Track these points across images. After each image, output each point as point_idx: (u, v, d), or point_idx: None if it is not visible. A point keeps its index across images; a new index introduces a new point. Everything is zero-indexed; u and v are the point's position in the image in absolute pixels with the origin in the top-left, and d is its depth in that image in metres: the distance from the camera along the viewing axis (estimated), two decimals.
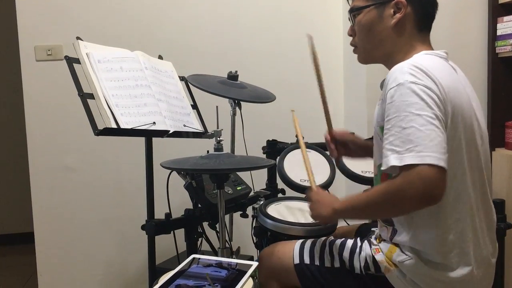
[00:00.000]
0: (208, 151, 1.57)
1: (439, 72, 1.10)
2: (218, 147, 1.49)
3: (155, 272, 1.62)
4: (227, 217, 1.98)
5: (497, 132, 2.18)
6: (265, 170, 1.94)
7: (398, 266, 1.18)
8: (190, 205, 1.73)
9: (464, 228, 1.13)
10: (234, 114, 1.98)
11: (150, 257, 1.61)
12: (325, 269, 1.29)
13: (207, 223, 1.68)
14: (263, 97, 1.97)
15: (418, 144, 1.00)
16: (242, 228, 2.17)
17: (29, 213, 2.35)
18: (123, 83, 1.52)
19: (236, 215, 1.93)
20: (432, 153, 0.99)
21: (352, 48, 1.35)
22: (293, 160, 1.72)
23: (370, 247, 1.26)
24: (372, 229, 1.39)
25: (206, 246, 1.78)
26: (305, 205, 1.65)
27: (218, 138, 1.50)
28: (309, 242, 1.37)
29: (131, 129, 1.45)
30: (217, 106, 1.52)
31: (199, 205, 1.68)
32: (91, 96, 1.43)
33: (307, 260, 1.32)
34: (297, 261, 1.34)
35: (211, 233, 1.72)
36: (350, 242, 1.31)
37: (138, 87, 1.55)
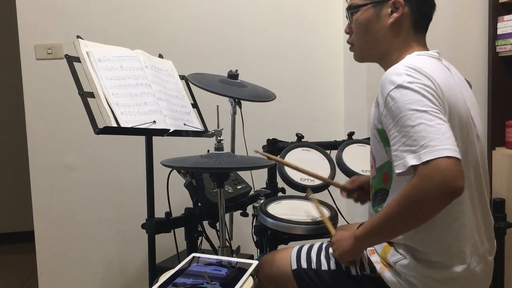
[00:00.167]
0: (208, 150, 1.57)
1: (432, 71, 1.10)
2: (219, 146, 1.49)
3: (155, 270, 1.62)
4: (227, 216, 1.98)
5: (497, 131, 2.18)
6: (266, 169, 1.94)
7: (393, 266, 1.18)
8: (190, 204, 1.73)
9: (460, 226, 1.13)
10: (234, 113, 1.97)
11: (150, 255, 1.61)
12: (322, 272, 1.29)
13: (207, 222, 1.69)
14: (263, 96, 1.97)
15: (431, 139, 0.98)
16: (242, 227, 2.17)
17: (29, 212, 2.35)
18: (124, 82, 1.52)
19: (236, 214, 1.93)
20: (447, 146, 0.97)
21: (349, 47, 1.35)
22: (293, 159, 1.72)
23: (366, 248, 1.25)
24: None
25: (206, 245, 1.78)
26: (305, 204, 1.65)
27: (219, 137, 1.50)
28: (305, 247, 1.37)
29: (131, 127, 1.45)
30: (217, 105, 1.52)
31: (199, 204, 1.68)
32: (91, 94, 1.43)
33: (304, 264, 1.33)
34: (294, 266, 1.34)
35: (211, 232, 1.72)
36: None
37: (138, 86, 1.55)
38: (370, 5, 1.24)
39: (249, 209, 1.78)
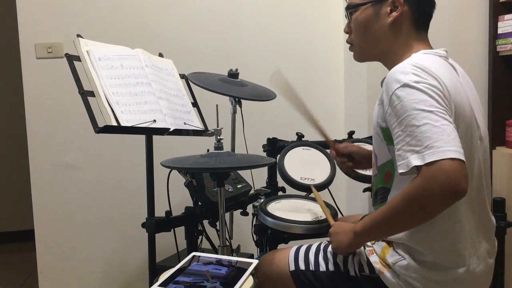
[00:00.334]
0: (208, 150, 1.57)
1: (439, 71, 1.09)
2: (219, 146, 1.49)
3: (155, 269, 1.62)
4: (227, 215, 1.98)
5: (497, 131, 2.18)
6: (266, 168, 1.94)
7: (392, 266, 1.17)
8: (190, 203, 1.73)
9: (460, 227, 1.13)
10: (234, 112, 1.98)
11: (150, 254, 1.61)
12: (321, 274, 1.29)
13: (207, 221, 1.68)
14: (264, 95, 1.97)
15: (436, 140, 0.97)
16: (242, 226, 2.17)
17: (29, 210, 2.35)
18: (124, 81, 1.52)
19: (236, 213, 1.93)
20: (452, 147, 0.97)
21: (349, 47, 1.35)
22: (294, 158, 1.72)
23: (364, 248, 1.25)
24: None
25: (206, 244, 1.78)
26: (305, 203, 1.65)
27: (219, 137, 1.50)
28: (303, 248, 1.37)
29: (132, 126, 1.45)
30: (217, 104, 1.52)
31: (199, 203, 1.68)
32: (92, 93, 1.43)
33: (302, 266, 1.32)
34: (292, 267, 1.33)
35: (211, 231, 1.72)
36: None
37: (138, 85, 1.54)
38: (369, 4, 1.24)
39: (249, 208, 1.78)
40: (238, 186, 1.81)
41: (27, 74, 2.31)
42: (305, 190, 1.68)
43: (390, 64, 1.24)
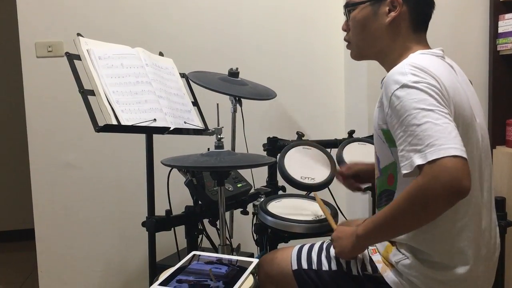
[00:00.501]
0: (208, 149, 1.57)
1: (437, 71, 1.09)
2: (219, 145, 1.49)
3: (155, 268, 1.62)
4: (227, 214, 1.98)
5: (498, 130, 2.18)
6: (266, 167, 1.94)
7: (394, 266, 1.17)
8: (190, 202, 1.73)
9: (463, 227, 1.12)
10: (234, 111, 1.98)
11: (151, 253, 1.61)
12: (323, 273, 1.29)
13: (208, 220, 1.69)
14: (264, 94, 1.97)
15: (438, 138, 0.97)
16: (243, 225, 2.17)
17: (29, 209, 2.35)
18: (124, 80, 1.52)
19: (237, 212, 1.93)
20: (454, 145, 0.96)
21: (346, 45, 1.34)
22: (294, 158, 1.72)
23: (367, 248, 1.25)
24: None
25: (206, 243, 1.78)
26: (305, 203, 1.65)
27: (219, 136, 1.50)
28: (306, 247, 1.37)
29: (132, 125, 1.45)
30: (217, 103, 1.52)
31: (200, 202, 1.68)
32: (92, 92, 1.43)
33: (304, 265, 1.32)
34: (295, 266, 1.33)
35: (211, 230, 1.72)
36: None
37: (138, 84, 1.54)
38: (367, 3, 1.23)
39: (250, 207, 1.78)
40: (239, 185, 1.81)
41: (27, 73, 2.31)
42: (305, 189, 1.68)
43: (387, 64, 1.24)
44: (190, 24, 2.40)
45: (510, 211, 1.80)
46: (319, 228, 1.46)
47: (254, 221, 1.66)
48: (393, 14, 1.20)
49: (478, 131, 1.16)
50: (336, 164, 1.74)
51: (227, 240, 1.58)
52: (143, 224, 1.58)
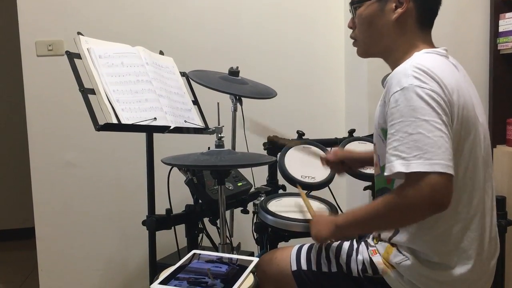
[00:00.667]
0: (209, 148, 1.57)
1: (442, 72, 1.08)
2: (219, 143, 1.49)
3: (155, 267, 1.62)
4: (227, 213, 1.98)
5: (498, 129, 2.18)
6: (266, 166, 1.94)
7: (395, 267, 1.17)
8: (190, 201, 1.73)
9: (463, 227, 1.12)
10: (235, 110, 1.98)
11: (151, 252, 1.61)
12: (323, 274, 1.29)
13: (208, 219, 1.69)
14: (264, 93, 1.97)
15: (426, 151, 0.98)
16: (243, 224, 2.17)
17: (30, 208, 2.35)
18: (124, 79, 1.52)
19: (237, 211, 1.93)
20: (441, 161, 0.98)
21: (352, 42, 1.34)
22: (294, 157, 1.72)
23: (367, 249, 1.25)
24: None
25: (206, 242, 1.78)
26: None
27: (219, 134, 1.50)
28: (305, 247, 1.36)
29: (132, 124, 1.45)
30: (218, 102, 1.52)
31: (200, 201, 1.68)
32: (92, 91, 1.43)
33: (304, 266, 1.32)
34: (294, 267, 1.33)
35: (211, 229, 1.72)
36: (346, 245, 1.30)
37: (139, 83, 1.54)
38: (374, 0, 1.23)
39: (250, 206, 1.78)
40: (239, 184, 1.81)
41: (27, 71, 2.31)
42: (305, 188, 1.68)
43: (392, 62, 1.23)
44: (191, 23, 2.39)
45: (511, 210, 1.80)
46: None
47: (255, 220, 1.66)
48: (399, 10, 1.20)
49: (481, 131, 1.16)
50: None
51: (227, 239, 1.58)
52: (144, 223, 1.58)
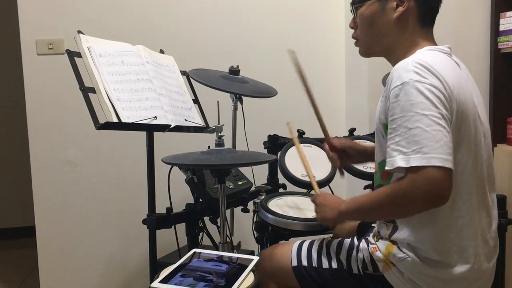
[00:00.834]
0: (209, 146, 1.57)
1: (443, 69, 1.09)
2: (219, 142, 1.49)
3: (156, 266, 1.62)
4: (228, 211, 1.98)
5: (499, 128, 2.18)
6: (267, 165, 1.94)
7: (396, 264, 1.17)
8: (191, 200, 1.73)
9: (463, 225, 1.12)
10: (235, 109, 1.98)
11: (151, 251, 1.61)
12: (323, 271, 1.29)
13: (208, 217, 1.69)
14: (265, 92, 1.97)
15: (424, 146, 0.99)
16: (243, 223, 2.17)
17: (30, 207, 2.35)
18: (125, 77, 1.52)
19: (237, 209, 1.93)
20: (439, 155, 0.98)
21: (354, 42, 1.34)
22: (294, 155, 1.72)
23: (368, 246, 1.25)
24: (373, 225, 1.39)
25: (207, 241, 1.78)
26: (306, 201, 1.65)
27: (219, 133, 1.50)
28: (306, 244, 1.36)
29: (133, 123, 1.45)
30: (218, 101, 1.52)
31: (200, 200, 1.68)
32: (92, 90, 1.43)
33: (304, 262, 1.32)
34: (295, 263, 1.33)
35: (212, 228, 1.72)
36: (347, 242, 1.30)
37: (139, 81, 1.54)
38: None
39: (250, 205, 1.78)
40: (239, 183, 1.81)
41: (28, 70, 2.31)
42: (306, 187, 1.68)
43: (394, 60, 1.23)
44: (191, 22, 2.39)
45: (511, 209, 1.80)
46: (319, 226, 1.46)
47: (255, 219, 1.66)
48: (400, 9, 1.20)
49: (481, 130, 1.16)
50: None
51: (227, 237, 1.58)
52: (144, 221, 1.58)
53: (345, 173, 1.61)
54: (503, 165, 2.06)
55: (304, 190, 1.72)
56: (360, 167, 1.72)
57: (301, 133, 1.88)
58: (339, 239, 1.32)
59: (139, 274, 2.43)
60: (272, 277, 1.37)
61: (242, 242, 1.81)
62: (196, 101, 1.82)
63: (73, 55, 1.46)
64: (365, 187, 1.89)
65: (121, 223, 2.40)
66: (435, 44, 1.22)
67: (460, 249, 1.12)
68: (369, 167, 1.72)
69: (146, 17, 2.35)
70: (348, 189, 2.39)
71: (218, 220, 1.58)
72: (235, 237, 1.95)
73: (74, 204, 2.37)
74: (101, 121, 1.39)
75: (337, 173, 1.71)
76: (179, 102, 1.70)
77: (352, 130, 1.96)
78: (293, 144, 1.77)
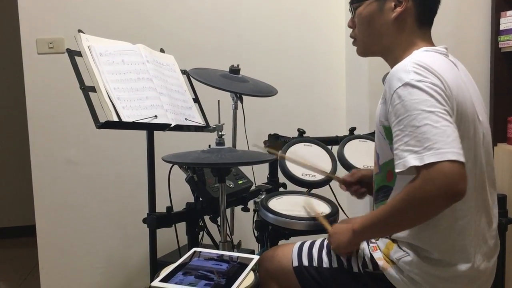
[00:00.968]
0: (209, 145, 1.57)
1: (441, 69, 1.09)
2: (220, 141, 1.49)
3: (156, 265, 1.62)
4: (228, 211, 1.99)
5: (499, 127, 2.18)
6: (267, 164, 1.94)
7: (396, 263, 1.17)
8: (191, 199, 1.73)
9: (464, 224, 1.13)
10: (235, 108, 1.98)
11: (152, 250, 1.61)
12: (324, 270, 1.29)
13: (209, 216, 1.69)
14: (265, 91, 1.97)
15: (436, 141, 0.98)
16: (243, 222, 2.17)
17: (31, 206, 2.35)
18: (125, 76, 1.52)
19: (238, 209, 1.93)
20: (452, 149, 0.97)
21: (352, 41, 1.34)
22: (295, 155, 1.72)
23: (368, 245, 1.25)
24: None
25: (207, 240, 1.78)
26: (306, 200, 1.65)
27: (220, 132, 1.50)
28: (307, 244, 1.37)
29: (133, 122, 1.45)
30: (218, 100, 1.52)
31: (201, 199, 1.68)
32: (93, 89, 1.43)
33: (305, 262, 1.32)
34: (296, 263, 1.33)
35: (212, 227, 1.72)
36: None
37: (139, 80, 1.54)
38: None
39: (250, 204, 1.78)
40: (239, 182, 1.81)
41: (28, 69, 2.31)
42: (306, 187, 1.68)
43: (391, 60, 1.24)
44: (191, 21, 2.39)
45: (511, 208, 1.80)
46: (319, 225, 1.46)
47: (255, 218, 1.67)
48: (398, 9, 1.20)
49: (480, 129, 1.16)
50: (337, 161, 1.74)
51: (228, 237, 1.58)
52: (144, 220, 1.58)
53: (346, 173, 1.61)
54: (503, 164, 2.06)
55: (305, 189, 1.72)
56: (361, 166, 1.71)
57: (301, 132, 1.88)
58: None
59: (140, 273, 2.43)
60: (273, 278, 1.37)
61: (242, 241, 1.81)
62: (196, 100, 1.82)
63: (74, 54, 1.46)
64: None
65: (122, 222, 2.40)
66: (432, 44, 1.23)
67: (460, 248, 1.12)
68: (369, 166, 1.72)
69: (147, 16, 2.35)
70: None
71: (219, 219, 1.58)
72: (236, 236, 1.95)
73: (74, 203, 2.37)
74: (102, 120, 1.39)
75: (337, 173, 1.72)
76: (180, 101, 1.70)
77: (352, 129, 1.96)
78: (293, 144, 1.77)
